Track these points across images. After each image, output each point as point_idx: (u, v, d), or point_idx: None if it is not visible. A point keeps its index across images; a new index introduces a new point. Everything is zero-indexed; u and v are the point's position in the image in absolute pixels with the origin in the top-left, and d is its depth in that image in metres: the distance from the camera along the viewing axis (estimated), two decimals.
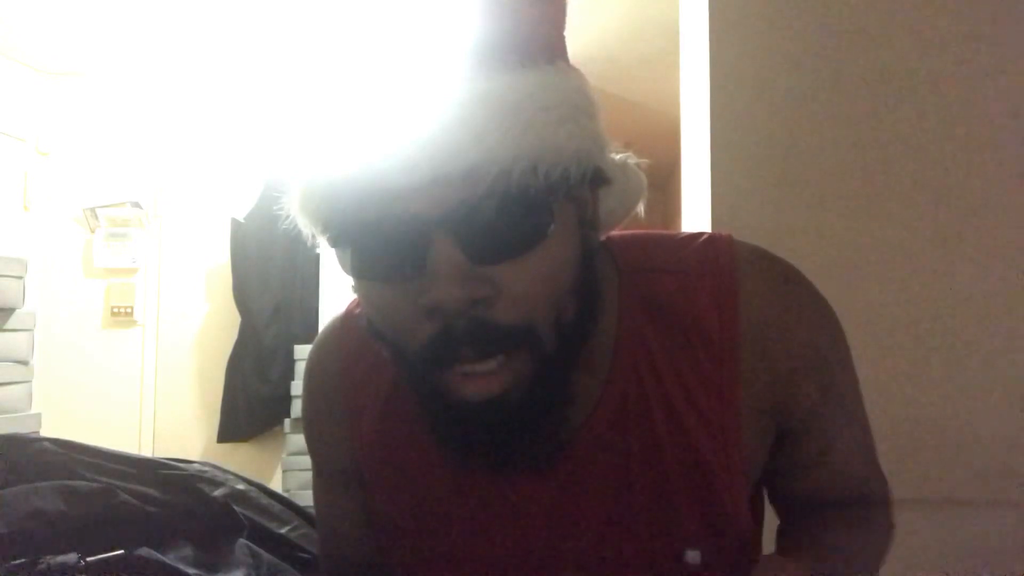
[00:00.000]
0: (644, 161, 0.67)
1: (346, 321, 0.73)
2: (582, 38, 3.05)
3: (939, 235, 1.16)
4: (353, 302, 0.73)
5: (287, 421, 3.19)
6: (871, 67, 1.18)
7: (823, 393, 0.64)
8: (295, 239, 0.60)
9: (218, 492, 1.05)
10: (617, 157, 0.64)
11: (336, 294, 3.10)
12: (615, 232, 0.69)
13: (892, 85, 1.18)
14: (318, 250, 0.59)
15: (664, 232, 0.68)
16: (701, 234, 0.66)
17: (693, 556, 0.62)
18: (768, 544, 0.73)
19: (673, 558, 0.63)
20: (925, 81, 1.18)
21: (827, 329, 0.65)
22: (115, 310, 3.68)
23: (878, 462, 0.72)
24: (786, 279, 0.64)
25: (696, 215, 1.34)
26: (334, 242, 0.56)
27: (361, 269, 0.55)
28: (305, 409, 0.76)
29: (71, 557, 0.80)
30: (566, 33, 0.59)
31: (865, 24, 1.19)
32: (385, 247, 0.53)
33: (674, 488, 0.61)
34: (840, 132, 1.19)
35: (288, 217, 0.58)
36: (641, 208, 0.68)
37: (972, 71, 1.17)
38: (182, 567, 0.87)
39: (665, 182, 5.30)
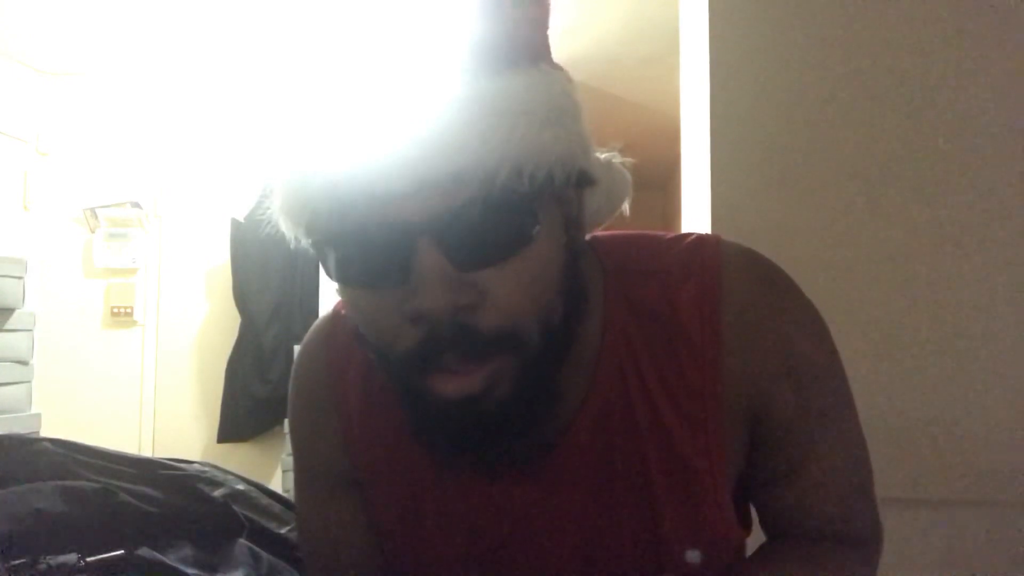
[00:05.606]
0: (629, 160, 0.66)
1: (334, 320, 0.72)
2: (582, 39, 3.04)
3: (939, 235, 1.16)
4: (341, 301, 0.72)
5: (287, 421, 3.19)
6: (871, 67, 1.18)
7: (800, 402, 0.61)
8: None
9: (218, 492, 1.05)
10: (602, 156, 0.64)
11: (336, 294, 3.09)
12: (603, 233, 0.68)
13: (892, 85, 1.18)
14: None
15: (652, 233, 0.67)
16: (689, 235, 0.65)
17: (692, 556, 0.62)
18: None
19: (657, 559, 0.62)
20: (925, 81, 1.18)
21: (810, 336, 0.63)
22: (115, 310, 3.68)
23: (873, 503, 0.67)
24: (770, 282, 0.63)
25: (696, 215, 1.34)
26: (318, 247, 0.56)
27: (345, 275, 0.55)
28: (293, 410, 0.74)
29: (71, 557, 0.80)
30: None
31: (865, 24, 1.19)
32: (369, 253, 0.52)
33: (657, 489, 0.61)
34: (840, 132, 1.19)
35: (271, 222, 0.58)
36: (626, 207, 0.67)
37: (972, 71, 1.17)
38: (182, 567, 0.87)
39: (665, 182, 5.31)
